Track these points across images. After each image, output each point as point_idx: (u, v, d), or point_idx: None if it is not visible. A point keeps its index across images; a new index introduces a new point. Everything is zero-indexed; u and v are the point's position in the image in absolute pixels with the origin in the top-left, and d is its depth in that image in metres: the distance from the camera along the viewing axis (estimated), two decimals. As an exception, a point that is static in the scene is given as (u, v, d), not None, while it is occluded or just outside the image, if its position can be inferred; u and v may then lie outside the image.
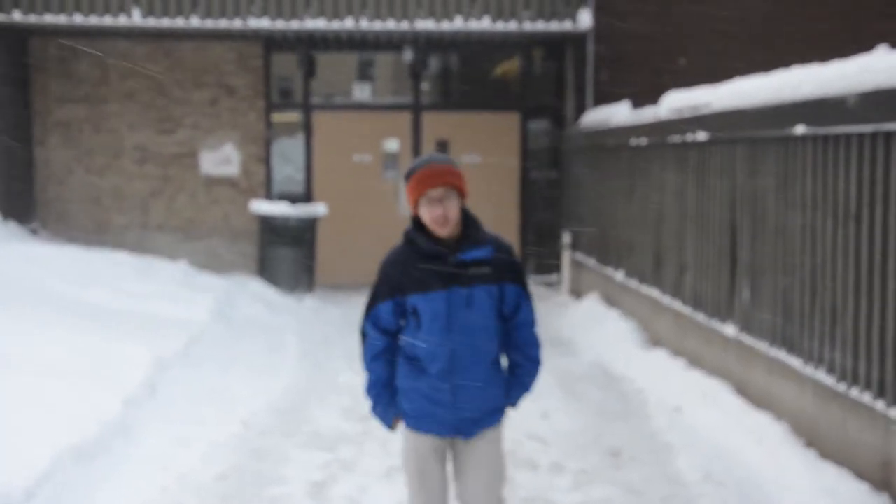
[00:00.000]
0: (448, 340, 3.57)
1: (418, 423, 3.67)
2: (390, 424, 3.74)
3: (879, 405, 4.99)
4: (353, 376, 7.49)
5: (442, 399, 3.61)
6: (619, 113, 10.38)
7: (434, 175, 3.54)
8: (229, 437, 6.13)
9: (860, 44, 5.69)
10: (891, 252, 4.91)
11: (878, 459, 5.01)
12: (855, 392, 5.24)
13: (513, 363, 3.77)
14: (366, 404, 3.91)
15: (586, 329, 9.64)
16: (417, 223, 3.64)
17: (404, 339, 3.66)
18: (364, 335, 3.72)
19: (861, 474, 5.15)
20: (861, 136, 5.20)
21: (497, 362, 3.70)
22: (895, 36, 5.37)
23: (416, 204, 3.60)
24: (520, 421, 6.28)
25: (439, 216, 3.53)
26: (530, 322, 3.75)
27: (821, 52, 6.33)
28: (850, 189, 5.32)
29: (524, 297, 3.72)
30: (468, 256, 3.58)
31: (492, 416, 3.70)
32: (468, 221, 3.63)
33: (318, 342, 9.35)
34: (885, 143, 4.97)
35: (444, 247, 3.58)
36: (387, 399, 3.70)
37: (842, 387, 5.37)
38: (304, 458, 5.82)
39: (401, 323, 3.66)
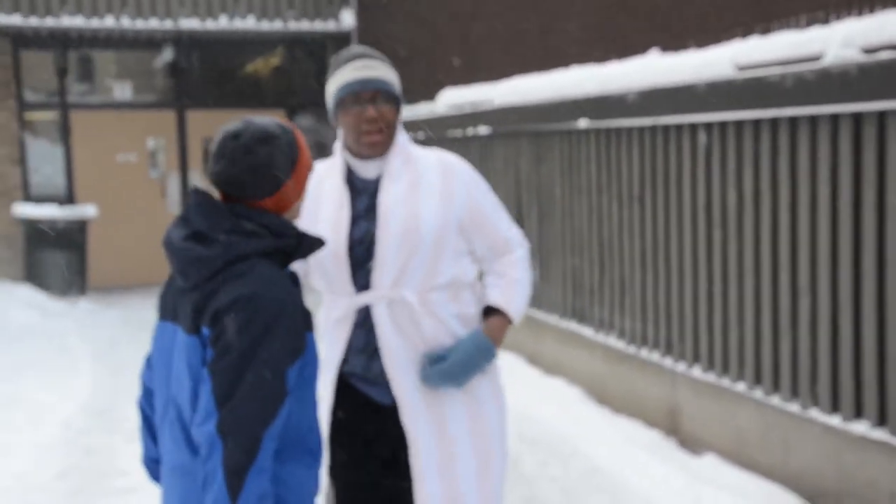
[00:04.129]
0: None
1: None
2: None
3: (667, 362, 5.77)
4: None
5: None
6: (392, 109, 10.88)
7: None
8: (54, 440, 6.09)
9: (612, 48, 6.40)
10: (672, 228, 5.68)
11: (665, 408, 5.78)
12: (644, 352, 6.01)
13: None
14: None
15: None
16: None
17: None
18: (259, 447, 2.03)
19: (651, 424, 5.93)
20: (641, 128, 5.96)
21: None
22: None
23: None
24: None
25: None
26: None
27: (586, 54, 7.05)
28: (633, 175, 6.07)
29: None
30: None
31: None
32: None
33: (105, 343, 9.22)
34: (663, 135, 5.73)
35: None
36: None
37: (631, 349, 6.13)
38: (134, 450, 5.88)
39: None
